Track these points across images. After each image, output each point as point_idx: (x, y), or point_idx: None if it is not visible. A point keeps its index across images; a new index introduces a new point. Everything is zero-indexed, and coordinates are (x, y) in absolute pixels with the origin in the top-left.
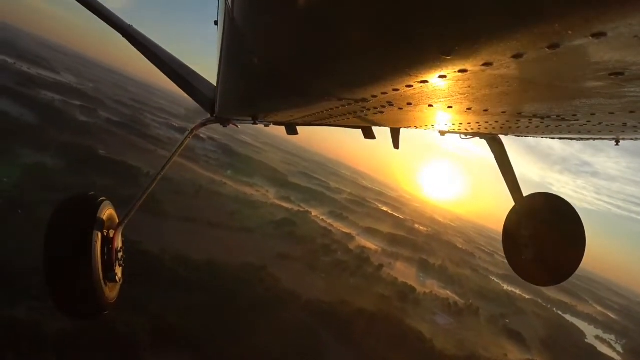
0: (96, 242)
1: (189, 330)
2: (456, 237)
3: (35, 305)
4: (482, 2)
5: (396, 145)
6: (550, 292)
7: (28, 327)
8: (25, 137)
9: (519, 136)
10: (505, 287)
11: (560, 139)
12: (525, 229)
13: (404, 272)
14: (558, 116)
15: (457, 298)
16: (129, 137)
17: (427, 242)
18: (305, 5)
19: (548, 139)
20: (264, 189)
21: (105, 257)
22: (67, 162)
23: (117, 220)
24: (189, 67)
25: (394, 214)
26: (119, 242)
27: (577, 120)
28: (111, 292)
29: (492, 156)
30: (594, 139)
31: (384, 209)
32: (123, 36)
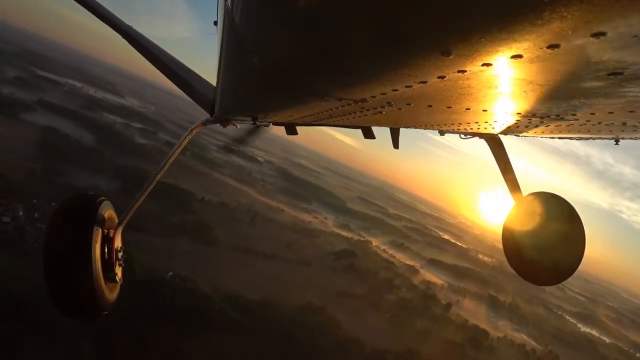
0: (96, 242)
1: None
2: None
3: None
4: (482, 2)
5: (396, 145)
6: (632, 334)
7: None
8: (81, 159)
9: (518, 136)
10: (582, 328)
11: (560, 138)
12: (525, 228)
13: (473, 311)
14: (557, 116)
15: (534, 343)
16: (185, 159)
17: (493, 274)
18: (305, 6)
19: (547, 139)
20: (323, 215)
21: (105, 257)
22: (120, 185)
23: (117, 220)
24: (189, 68)
25: (456, 242)
26: (118, 242)
27: (577, 120)
28: (111, 292)
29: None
30: (594, 139)
31: (445, 237)
32: (123, 37)
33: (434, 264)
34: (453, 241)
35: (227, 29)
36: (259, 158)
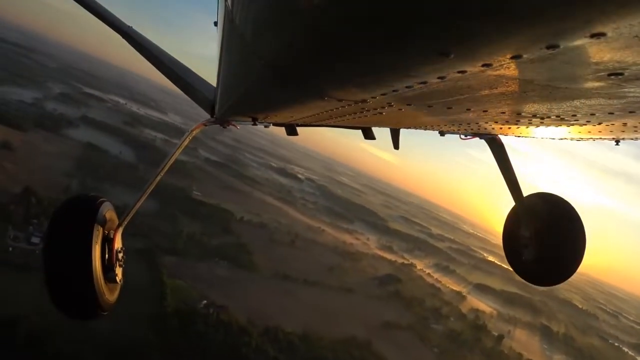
0: (96, 242)
1: None
2: (571, 293)
3: None
4: (481, 2)
5: (396, 145)
6: None
7: None
8: (119, 176)
9: (518, 136)
10: None
11: (560, 139)
12: (525, 229)
13: (527, 344)
14: (558, 116)
15: None
16: (225, 177)
17: (544, 301)
18: (305, 7)
19: (547, 139)
20: (365, 236)
21: (106, 257)
22: (158, 204)
23: (117, 221)
24: (189, 68)
25: (502, 265)
26: (119, 243)
27: (577, 120)
28: (111, 293)
29: None
30: (594, 139)
31: (491, 258)
32: (123, 37)
33: (481, 289)
34: (499, 263)
35: (227, 30)
36: (300, 175)
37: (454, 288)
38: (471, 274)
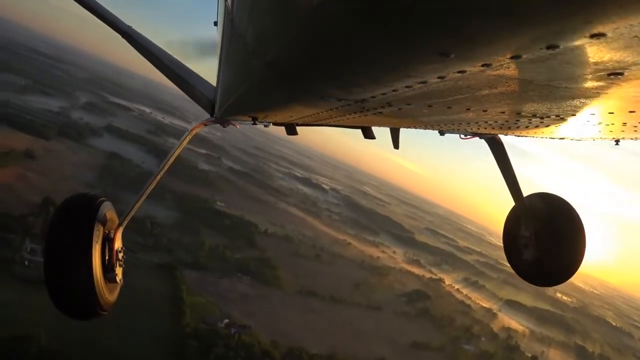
0: (96, 242)
1: None
2: (604, 309)
3: None
4: (481, 2)
5: (396, 145)
6: None
7: None
8: (140, 186)
9: (519, 136)
10: None
11: (561, 139)
12: (525, 229)
13: None
14: (558, 116)
15: None
16: (249, 187)
17: (576, 318)
18: (305, 6)
19: (548, 139)
20: (391, 249)
21: (106, 257)
22: (179, 216)
23: (118, 221)
24: (189, 68)
25: None
26: (119, 243)
27: (577, 120)
28: (111, 293)
29: None
30: (594, 139)
31: None
32: (123, 37)
33: (512, 306)
34: None
35: (227, 29)
36: (324, 186)
37: (484, 305)
38: (501, 289)
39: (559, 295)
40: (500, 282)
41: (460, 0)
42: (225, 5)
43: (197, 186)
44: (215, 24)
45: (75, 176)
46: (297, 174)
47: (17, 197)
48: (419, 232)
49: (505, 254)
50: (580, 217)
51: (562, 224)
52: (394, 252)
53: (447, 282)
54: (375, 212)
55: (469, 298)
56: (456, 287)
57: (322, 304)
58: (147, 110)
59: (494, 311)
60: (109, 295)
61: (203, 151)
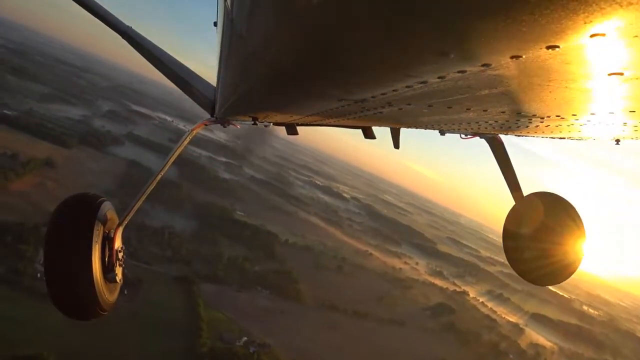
0: (96, 242)
1: None
2: (633, 323)
3: None
4: (481, 2)
5: (396, 145)
6: None
7: None
8: (160, 195)
9: (519, 136)
10: None
11: (561, 139)
12: (525, 229)
13: None
14: (557, 116)
15: None
16: (270, 196)
17: (605, 333)
18: (305, 6)
19: (548, 139)
20: (413, 260)
21: (106, 257)
22: (198, 226)
23: (118, 220)
24: (189, 68)
25: (557, 291)
26: (119, 242)
27: (577, 120)
28: (111, 293)
29: None
30: (594, 139)
31: None
32: (122, 37)
33: (538, 320)
34: (553, 290)
35: (227, 30)
36: (345, 194)
37: (510, 319)
38: (526, 303)
39: (585, 308)
40: (525, 295)
41: (460, 0)
42: (225, 6)
43: (217, 195)
44: (215, 24)
45: (94, 184)
46: (318, 182)
47: (34, 207)
48: (441, 242)
49: (505, 253)
50: (581, 216)
51: (562, 223)
52: (417, 263)
53: (471, 295)
54: (396, 221)
55: (494, 312)
56: (481, 300)
57: (344, 319)
58: (169, 118)
59: (521, 326)
60: (109, 295)
61: (224, 159)
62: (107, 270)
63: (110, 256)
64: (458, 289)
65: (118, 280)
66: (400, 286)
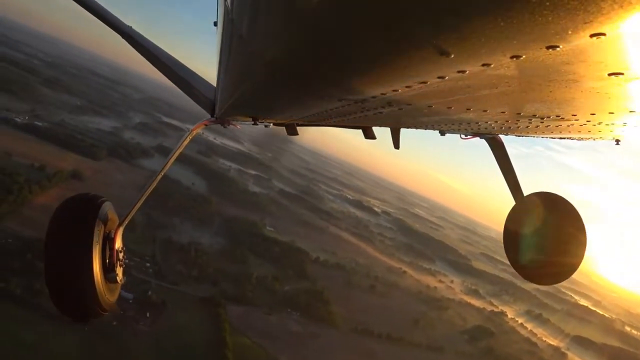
0: (97, 242)
1: None
2: None
3: None
4: (481, 2)
5: (396, 145)
6: None
7: None
8: (189, 210)
9: (519, 136)
10: None
11: (561, 139)
12: (526, 228)
13: None
14: (558, 116)
15: None
16: (299, 210)
17: None
18: (305, 6)
19: (548, 138)
20: (448, 278)
21: (106, 257)
22: (226, 242)
23: (118, 221)
24: (189, 68)
25: (597, 310)
26: (119, 243)
27: (577, 120)
28: (112, 293)
29: None
30: (594, 139)
31: (583, 303)
32: (123, 38)
33: (580, 342)
34: (593, 309)
35: (227, 29)
36: (376, 208)
37: (551, 342)
38: (566, 324)
39: (627, 329)
40: (564, 315)
41: (460, 0)
42: (225, 6)
43: (246, 209)
44: (215, 24)
45: (120, 197)
46: (349, 196)
47: None
48: (475, 259)
49: (506, 252)
50: (581, 216)
51: (563, 222)
52: (452, 282)
53: (509, 316)
54: (429, 236)
55: (534, 334)
56: (519, 321)
57: (378, 344)
58: (200, 131)
59: (563, 350)
60: (109, 295)
61: (253, 172)
62: (108, 270)
63: (110, 256)
64: (496, 309)
65: (119, 281)
66: (435, 307)
